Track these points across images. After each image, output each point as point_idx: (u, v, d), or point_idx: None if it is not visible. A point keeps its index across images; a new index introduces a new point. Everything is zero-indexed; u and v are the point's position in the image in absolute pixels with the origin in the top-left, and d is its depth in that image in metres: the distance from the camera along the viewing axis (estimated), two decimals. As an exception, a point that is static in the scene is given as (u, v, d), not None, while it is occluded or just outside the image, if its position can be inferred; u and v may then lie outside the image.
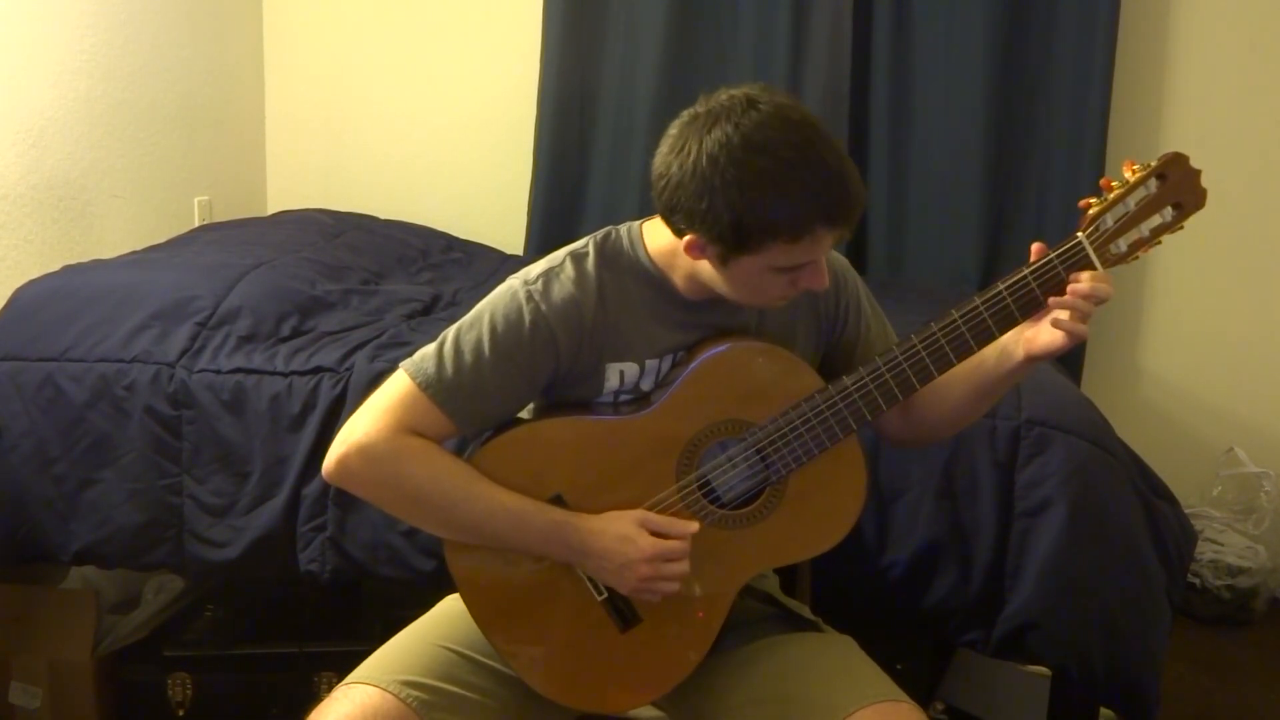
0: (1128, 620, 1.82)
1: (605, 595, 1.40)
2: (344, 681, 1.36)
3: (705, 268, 1.34)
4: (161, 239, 2.77)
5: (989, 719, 2.22)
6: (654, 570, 1.33)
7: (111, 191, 2.76)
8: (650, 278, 1.40)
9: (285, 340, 2.14)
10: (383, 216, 3.24)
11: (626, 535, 1.33)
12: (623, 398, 1.42)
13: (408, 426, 1.35)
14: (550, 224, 3.23)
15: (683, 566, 1.35)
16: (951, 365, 1.36)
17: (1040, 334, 1.33)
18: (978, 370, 1.40)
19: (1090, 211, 1.32)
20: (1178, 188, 1.31)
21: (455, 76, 3.35)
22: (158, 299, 2.16)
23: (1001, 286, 1.33)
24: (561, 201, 3.24)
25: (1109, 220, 1.31)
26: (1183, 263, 3.03)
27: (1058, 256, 1.31)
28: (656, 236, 1.40)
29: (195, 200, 3.11)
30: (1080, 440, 1.86)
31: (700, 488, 1.39)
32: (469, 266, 2.95)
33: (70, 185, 2.61)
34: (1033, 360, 1.34)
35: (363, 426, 1.35)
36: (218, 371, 2.06)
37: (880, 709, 1.32)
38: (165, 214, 2.97)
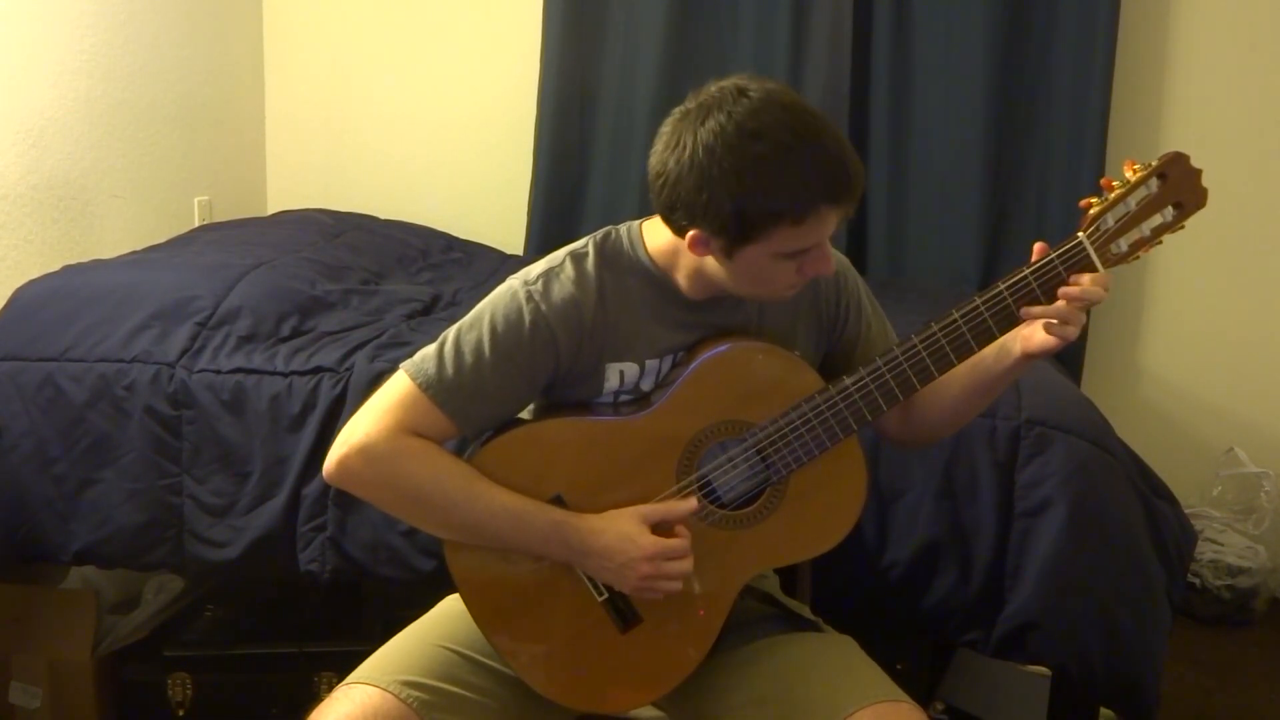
0: (1128, 620, 1.82)
1: (605, 595, 1.40)
2: (344, 681, 1.36)
3: (710, 264, 1.34)
4: (161, 239, 2.77)
5: (989, 719, 2.22)
6: (655, 568, 1.33)
7: (111, 191, 2.76)
8: (651, 277, 1.40)
9: (285, 340, 2.14)
10: (383, 216, 3.24)
11: (627, 534, 1.33)
12: (623, 398, 1.42)
13: (408, 427, 1.35)
14: (550, 224, 3.23)
15: (685, 564, 1.34)
16: (952, 365, 1.36)
17: (1037, 332, 1.32)
18: (976, 368, 1.40)
19: (1091, 211, 1.31)
20: (1178, 187, 1.31)
21: (455, 76, 3.35)
22: (158, 299, 2.16)
23: (1002, 286, 1.32)
24: (561, 201, 3.24)
25: (1110, 220, 1.31)
26: (1183, 263, 3.03)
27: (1058, 256, 1.31)
28: (656, 236, 1.40)
29: (195, 200, 3.11)
30: (1080, 440, 1.86)
31: (701, 488, 1.39)
32: (469, 266, 2.95)
33: (70, 185, 2.61)
34: (1030, 358, 1.34)
35: (363, 427, 1.35)
36: (218, 371, 2.06)
37: (880, 709, 1.32)
38: (165, 214, 2.97)
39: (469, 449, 1.41)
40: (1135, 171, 1.32)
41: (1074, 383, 2.57)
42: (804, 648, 1.44)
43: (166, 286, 2.20)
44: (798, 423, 1.36)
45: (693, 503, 1.36)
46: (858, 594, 1.89)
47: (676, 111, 1.31)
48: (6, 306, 2.20)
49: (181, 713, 2.23)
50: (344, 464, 1.35)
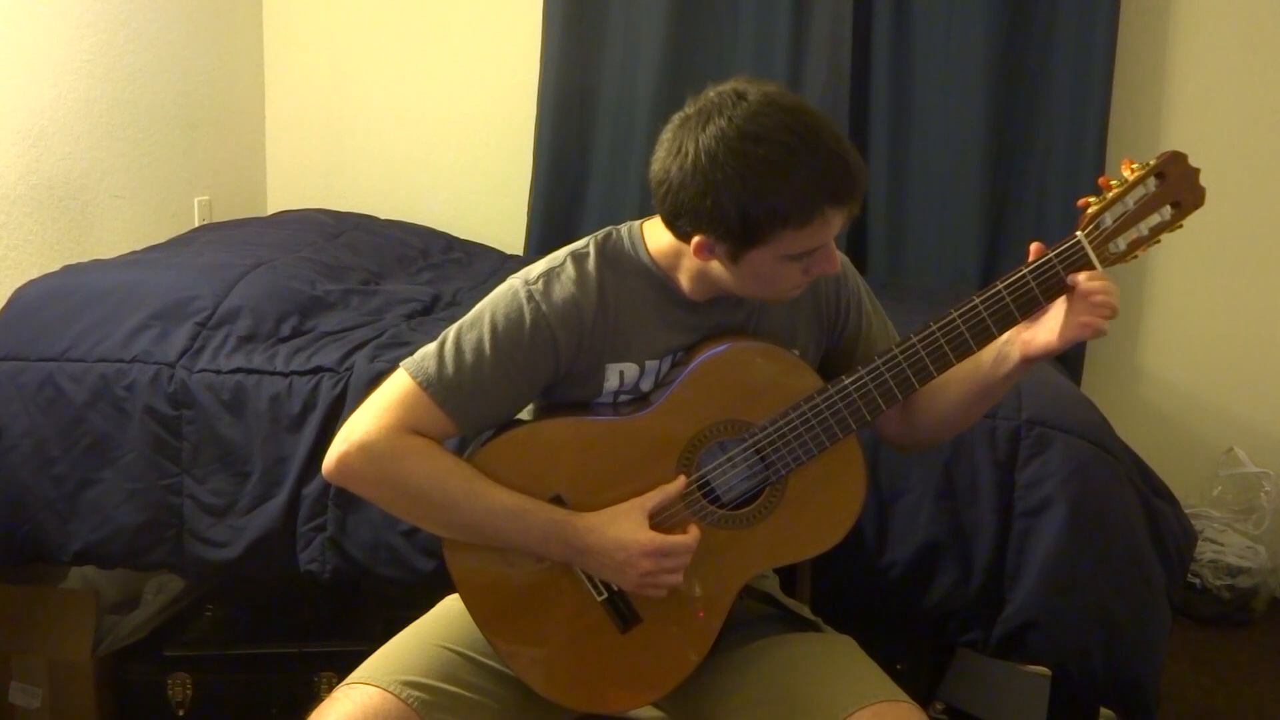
0: (1128, 620, 1.82)
1: (605, 595, 1.40)
2: (344, 682, 1.36)
3: (715, 267, 1.34)
4: (161, 239, 2.77)
5: (989, 719, 2.22)
6: (656, 564, 1.33)
7: (111, 191, 2.76)
8: (651, 278, 1.40)
9: (285, 340, 2.14)
10: (383, 216, 3.24)
11: (627, 530, 1.33)
12: (622, 398, 1.42)
13: (408, 425, 1.35)
14: (550, 224, 3.23)
15: (685, 558, 1.34)
16: (951, 365, 1.35)
17: (1038, 335, 1.32)
18: (975, 372, 1.40)
19: (1089, 210, 1.32)
20: (1176, 186, 1.31)
21: (455, 76, 3.35)
22: (158, 299, 2.16)
23: (1000, 286, 1.32)
24: (561, 201, 3.24)
25: (1108, 219, 1.31)
26: (1183, 263, 3.03)
27: (1056, 256, 1.31)
28: (657, 236, 1.40)
29: (195, 200, 3.11)
30: (1080, 440, 1.86)
31: (700, 488, 1.39)
32: (469, 266, 2.95)
33: (70, 185, 2.61)
34: (1029, 362, 1.34)
35: (363, 425, 1.35)
36: (218, 371, 2.06)
37: (880, 709, 1.32)
38: (165, 214, 2.97)
39: (469, 449, 1.41)
40: (1133, 170, 1.32)
41: (1074, 383, 2.56)
42: (804, 648, 1.44)
43: (166, 286, 2.20)
44: (797, 422, 1.36)
45: (681, 480, 1.36)
46: (858, 594, 1.89)
47: (676, 117, 1.31)
48: (6, 306, 2.20)
49: (181, 713, 2.23)
50: (344, 461, 1.35)
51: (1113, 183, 1.32)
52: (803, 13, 3.03)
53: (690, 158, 1.26)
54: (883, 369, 1.36)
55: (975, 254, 3.03)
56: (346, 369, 2.05)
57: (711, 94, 1.28)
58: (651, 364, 1.41)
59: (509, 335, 1.35)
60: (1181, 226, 1.33)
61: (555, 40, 3.14)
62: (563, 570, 1.40)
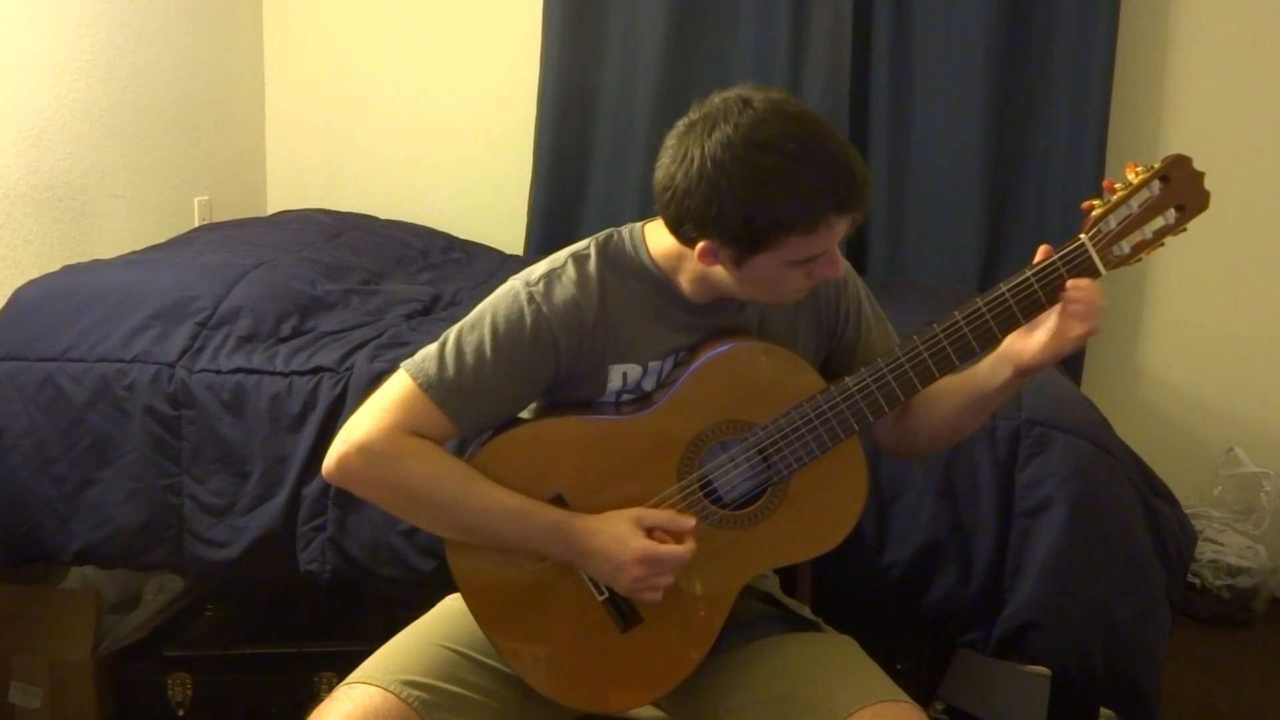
0: (1127, 620, 1.82)
1: (606, 595, 1.40)
2: (345, 681, 1.36)
3: (718, 272, 1.34)
4: (161, 239, 2.77)
5: (989, 719, 2.22)
6: (647, 570, 1.33)
7: (111, 191, 2.76)
8: (653, 279, 1.40)
9: (285, 340, 2.14)
10: (383, 216, 3.24)
11: (620, 535, 1.33)
12: (625, 398, 1.42)
13: (408, 427, 1.34)
14: (550, 224, 3.23)
15: (674, 567, 1.34)
16: (954, 367, 1.36)
17: (1029, 345, 1.33)
18: (970, 382, 1.40)
19: (1093, 213, 1.31)
20: (1181, 190, 1.31)
21: (455, 76, 3.35)
22: (158, 299, 2.16)
23: (1004, 288, 1.32)
24: (561, 201, 3.24)
25: (1112, 222, 1.31)
26: (1183, 263, 3.03)
27: (1060, 258, 1.31)
28: (659, 238, 1.40)
29: (195, 200, 3.11)
30: (1080, 440, 1.86)
31: (702, 487, 1.39)
32: (469, 267, 2.95)
33: (70, 185, 2.61)
34: (1023, 374, 1.34)
35: (363, 426, 1.35)
36: (218, 371, 2.06)
37: (880, 709, 1.32)
38: (165, 214, 2.97)
39: (470, 449, 1.41)
40: (1137, 173, 1.32)
41: (1074, 383, 2.57)
42: (804, 648, 1.44)
43: (166, 286, 2.20)
44: (799, 422, 1.36)
45: (691, 521, 1.36)
46: (858, 594, 1.89)
47: (681, 123, 1.31)
48: (6, 306, 2.20)
49: (181, 713, 2.23)
50: (344, 462, 1.35)
51: (1117, 185, 1.32)
52: (802, 13, 3.03)
53: (696, 164, 1.26)
54: (885, 370, 1.36)
55: (975, 254, 3.03)
56: (346, 369, 2.05)
57: (717, 100, 1.28)
58: (654, 364, 1.41)
59: (510, 336, 1.35)
60: (1185, 230, 1.33)
61: (555, 40, 3.14)
62: (564, 570, 1.40)
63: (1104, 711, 1.99)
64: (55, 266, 2.42)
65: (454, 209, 3.36)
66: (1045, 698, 2.01)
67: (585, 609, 1.41)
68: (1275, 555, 2.89)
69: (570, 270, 1.38)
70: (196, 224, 3.07)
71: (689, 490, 1.39)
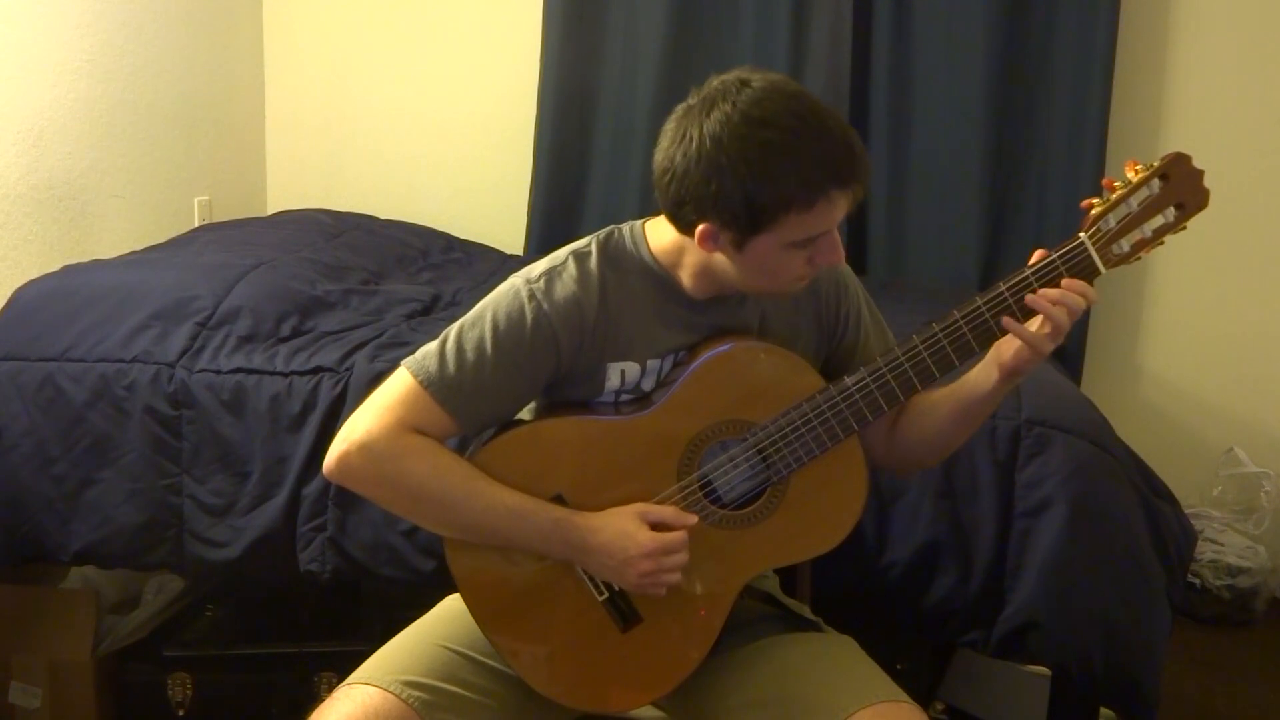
0: (1128, 620, 1.82)
1: (606, 595, 1.40)
2: (345, 682, 1.36)
3: (718, 260, 1.34)
4: (161, 239, 2.77)
5: (989, 719, 2.22)
6: (655, 564, 1.33)
7: (111, 191, 2.76)
8: (654, 277, 1.40)
9: (285, 340, 2.14)
10: (383, 216, 3.24)
11: (625, 531, 1.33)
12: (624, 397, 1.42)
13: (409, 424, 1.35)
14: (550, 224, 3.23)
15: (682, 558, 1.34)
16: (954, 366, 1.35)
17: (1009, 346, 1.32)
18: (962, 387, 1.40)
19: (1093, 212, 1.31)
20: (1180, 188, 1.31)
21: (455, 76, 3.35)
22: (158, 299, 2.16)
23: (1003, 287, 1.32)
24: (561, 201, 3.24)
25: (1111, 220, 1.31)
26: (1183, 263, 3.03)
27: (1060, 257, 1.31)
28: (659, 234, 1.40)
29: (195, 200, 3.11)
30: (1080, 440, 1.86)
31: (701, 487, 1.39)
32: (469, 266, 2.95)
33: (70, 185, 2.61)
34: (1006, 377, 1.34)
35: (364, 424, 1.35)
36: (218, 371, 2.06)
37: (880, 709, 1.32)
38: (165, 214, 2.97)
39: (470, 448, 1.41)
40: (1137, 172, 1.32)
41: (1074, 383, 2.56)
42: (804, 648, 1.44)
43: (166, 286, 2.20)
44: (798, 422, 1.36)
45: (693, 518, 1.36)
46: (858, 594, 1.88)
47: (680, 107, 1.31)
48: (6, 306, 2.20)
49: (181, 713, 2.23)
50: (344, 460, 1.35)
51: (1116, 184, 1.32)
52: (803, 12, 3.03)
53: (695, 143, 1.26)
54: (885, 369, 1.36)
55: (975, 254, 3.03)
56: (346, 369, 2.05)
57: (715, 82, 1.29)
58: (653, 363, 1.41)
59: (510, 334, 1.35)
60: (1185, 228, 1.33)
61: (555, 40, 3.14)
62: (564, 569, 1.40)
63: (1104, 711, 1.99)
64: (55, 266, 2.41)
65: (454, 209, 3.36)
66: (1045, 698, 2.01)
67: (585, 609, 1.41)
68: (1275, 555, 2.89)
69: (571, 268, 1.38)
70: (196, 224, 3.07)
71: (689, 490, 1.39)
